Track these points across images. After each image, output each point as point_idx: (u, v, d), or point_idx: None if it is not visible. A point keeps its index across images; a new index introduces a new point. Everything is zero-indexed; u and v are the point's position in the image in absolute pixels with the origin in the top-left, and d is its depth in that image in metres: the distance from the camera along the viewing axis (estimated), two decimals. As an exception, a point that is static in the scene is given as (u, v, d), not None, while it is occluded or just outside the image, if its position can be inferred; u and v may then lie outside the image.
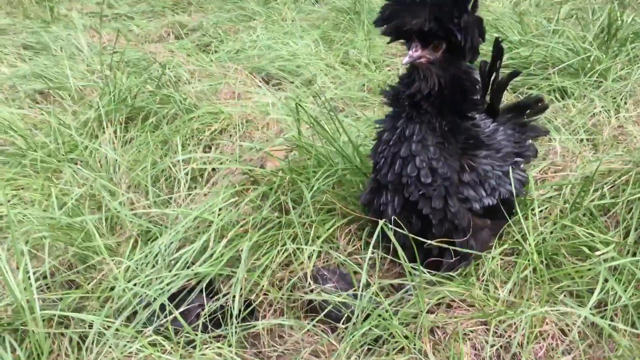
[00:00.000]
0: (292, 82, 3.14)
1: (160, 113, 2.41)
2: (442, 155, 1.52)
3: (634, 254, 1.74)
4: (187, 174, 2.08)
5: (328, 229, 1.82)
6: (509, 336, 1.59)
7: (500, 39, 1.67)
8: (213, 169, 2.17)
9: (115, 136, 2.45)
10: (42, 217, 1.82)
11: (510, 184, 1.64)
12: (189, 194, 2.01)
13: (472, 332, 1.61)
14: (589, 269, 1.62)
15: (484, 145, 1.62)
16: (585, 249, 1.68)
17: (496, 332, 1.60)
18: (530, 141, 1.85)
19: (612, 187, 1.91)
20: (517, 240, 1.73)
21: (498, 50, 1.69)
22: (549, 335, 1.60)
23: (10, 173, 2.19)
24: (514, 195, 1.65)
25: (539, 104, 1.83)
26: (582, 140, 2.29)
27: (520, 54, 2.97)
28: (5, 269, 1.54)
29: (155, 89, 2.57)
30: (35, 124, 2.80)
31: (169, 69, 3.17)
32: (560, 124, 2.38)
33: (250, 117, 2.55)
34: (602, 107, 2.52)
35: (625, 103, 2.56)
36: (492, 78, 1.75)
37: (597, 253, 1.64)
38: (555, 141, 2.21)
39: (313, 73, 3.19)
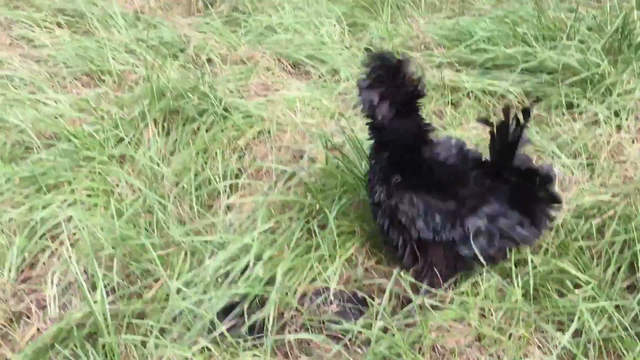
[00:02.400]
0: (320, 75, 3.34)
1: (200, 120, 2.66)
2: (381, 183, 1.97)
3: (612, 284, 2.04)
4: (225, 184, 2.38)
5: (348, 249, 2.13)
6: (498, 356, 1.91)
7: (531, 106, 1.87)
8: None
9: (158, 134, 2.72)
10: (105, 228, 2.15)
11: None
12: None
13: (468, 348, 1.94)
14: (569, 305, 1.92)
15: (442, 192, 1.94)
16: (569, 284, 1.98)
17: (487, 351, 1.92)
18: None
19: (599, 220, 2.18)
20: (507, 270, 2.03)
21: (525, 116, 1.83)
22: (533, 355, 1.92)
23: (67, 173, 2.48)
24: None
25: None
26: (580, 164, 2.53)
27: (536, 58, 3.14)
28: (82, 283, 1.88)
29: (192, 91, 2.81)
30: (82, 110, 3.06)
31: (203, 55, 3.40)
32: (562, 143, 2.61)
33: (280, 120, 2.80)
34: (604, 121, 2.74)
35: (627, 118, 2.77)
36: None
37: (577, 291, 1.93)
38: (556, 165, 2.45)
39: (339, 64, 3.38)
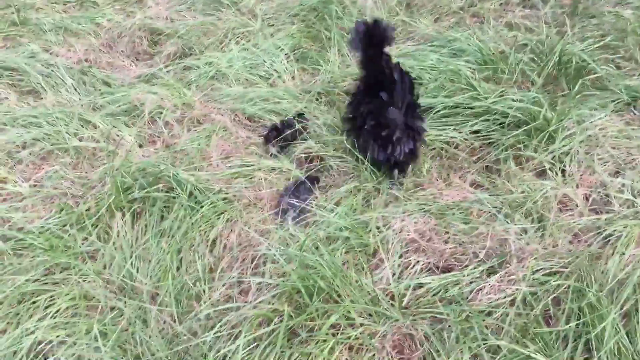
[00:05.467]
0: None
1: (168, 220, 2.72)
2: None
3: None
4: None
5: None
6: None
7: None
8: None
9: (126, 228, 2.75)
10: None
11: None
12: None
13: None
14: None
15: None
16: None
17: None
18: None
19: (554, 297, 2.37)
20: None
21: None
22: None
23: (46, 287, 2.52)
24: None
25: None
26: (532, 220, 2.71)
27: (481, 102, 3.28)
28: None
29: (158, 179, 2.85)
30: (43, 200, 3.04)
31: (159, 118, 3.42)
32: (514, 203, 2.78)
33: (246, 199, 2.88)
34: (549, 169, 2.94)
35: (570, 165, 2.96)
36: None
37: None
38: (510, 234, 2.62)
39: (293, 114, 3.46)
